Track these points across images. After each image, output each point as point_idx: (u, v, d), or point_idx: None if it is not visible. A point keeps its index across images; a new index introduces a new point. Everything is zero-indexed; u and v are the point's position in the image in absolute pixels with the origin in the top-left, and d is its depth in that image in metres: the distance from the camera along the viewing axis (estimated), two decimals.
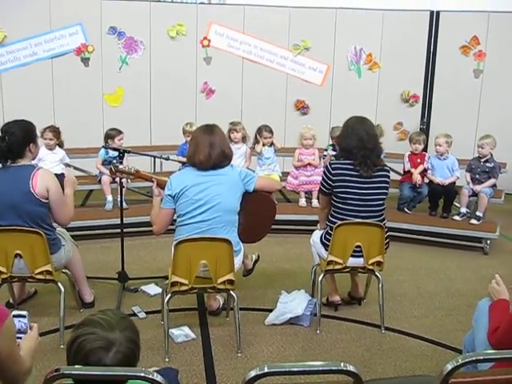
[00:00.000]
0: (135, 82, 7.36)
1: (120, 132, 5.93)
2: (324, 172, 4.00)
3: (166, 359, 3.55)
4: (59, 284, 3.76)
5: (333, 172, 3.90)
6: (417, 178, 6.00)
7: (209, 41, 7.47)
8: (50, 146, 5.77)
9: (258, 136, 6.19)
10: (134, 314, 4.11)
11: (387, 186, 3.97)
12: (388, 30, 7.60)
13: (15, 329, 2.06)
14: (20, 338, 2.15)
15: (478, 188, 5.88)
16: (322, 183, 4.01)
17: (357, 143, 3.85)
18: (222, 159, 3.63)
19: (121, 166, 4.08)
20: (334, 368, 1.68)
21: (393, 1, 7.59)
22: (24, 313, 2.22)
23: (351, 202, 3.87)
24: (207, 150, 3.58)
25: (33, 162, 3.82)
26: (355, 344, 3.84)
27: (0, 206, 3.57)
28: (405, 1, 7.64)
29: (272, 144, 6.22)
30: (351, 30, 7.61)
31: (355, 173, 3.87)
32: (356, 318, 4.19)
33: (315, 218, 4.59)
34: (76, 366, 1.64)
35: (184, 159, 5.79)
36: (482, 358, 1.90)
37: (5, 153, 3.62)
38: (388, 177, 3.98)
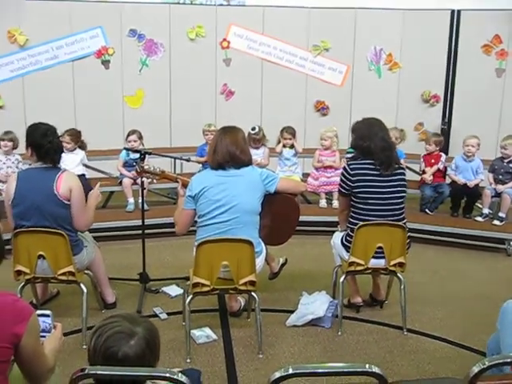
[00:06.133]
0: (155, 84, 7.39)
1: (133, 132, 5.96)
2: (342, 173, 3.98)
3: (188, 360, 3.55)
4: (81, 285, 3.79)
5: (352, 173, 3.88)
6: (428, 178, 6.06)
7: (228, 42, 7.48)
8: (68, 149, 5.80)
9: (280, 136, 6.21)
10: (156, 315, 4.13)
11: (405, 184, 3.96)
12: (408, 30, 7.55)
13: (40, 326, 2.08)
14: (44, 337, 2.16)
15: (501, 188, 5.81)
16: (340, 185, 3.99)
17: (380, 143, 3.85)
18: (228, 159, 3.65)
19: (146, 167, 4.11)
20: (359, 370, 1.67)
21: (413, 0, 7.54)
22: (48, 312, 2.23)
23: (372, 201, 3.85)
24: (212, 150, 3.69)
25: None
26: (377, 346, 3.82)
27: (25, 208, 3.62)
28: (425, 0, 7.58)
29: (293, 146, 6.22)
30: (371, 30, 7.57)
31: (375, 172, 3.85)
32: (378, 320, 4.16)
33: (336, 219, 4.56)
34: (101, 366, 1.65)
35: (202, 159, 5.92)
36: (509, 360, 1.87)
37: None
38: (404, 174, 3.97)
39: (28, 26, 7.02)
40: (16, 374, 2.07)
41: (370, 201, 3.85)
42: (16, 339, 1.87)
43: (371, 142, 3.87)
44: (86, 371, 1.65)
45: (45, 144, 3.65)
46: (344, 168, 4.00)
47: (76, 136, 5.86)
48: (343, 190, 3.98)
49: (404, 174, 3.97)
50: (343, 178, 3.95)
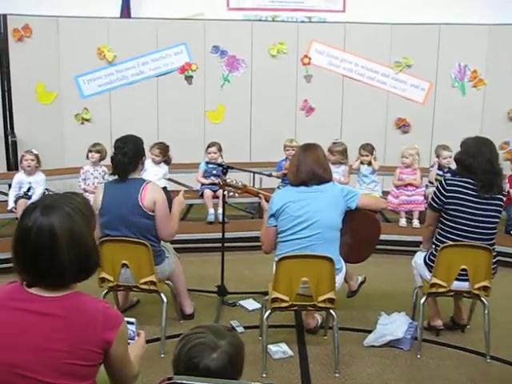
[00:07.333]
0: (236, 100, 7.51)
1: (214, 144, 6.07)
2: (437, 187, 3.88)
3: (264, 375, 3.54)
4: (162, 294, 3.86)
5: (447, 188, 3.78)
6: None
7: (309, 59, 7.52)
8: (156, 162, 5.97)
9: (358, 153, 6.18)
10: (232, 329, 4.15)
11: (501, 210, 3.79)
12: (494, 46, 7.35)
13: (127, 334, 2.13)
14: (128, 343, 2.21)
15: None
16: (432, 198, 3.90)
17: (485, 164, 3.71)
18: (311, 177, 3.64)
19: (228, 180, 4.16)
20: None
21: (499, 15, 7.34)
22: (132, 320, 2.29)
23: (463, 221, 3.73)
24: (295, 168, 3.67)
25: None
26: (457, 371, 3.67)
27: (111, 218, 3.75)
28: None
29: (371, 163, 6.15)
30: (455, 46, 7.42)
31: (472, 192, 3.72)
32: (459, 345, 4.01)
33: (416, 238, 4.47)
34: (188, 376, 1.67)
35: (280, 173, 5.98)
36: None
37: (126, 166, 3.81)
38: (503, 200, 3.80)
39: (116, 43, 7.32)
40: (102, 379, 2.12)
41: (461, 220, 3.74)
42: (106, 345, 1.92)
43: (475, 161, 3.74)
44: (174, 380, 1.67)
45: (113, 156, 3.83)
46: (440, 182, 3.89)
47: (164, 150, 6.01)
48: (434, 204, 3.87)
49: (502, 201, 3.79)
50: (437, 192, 3.84)
